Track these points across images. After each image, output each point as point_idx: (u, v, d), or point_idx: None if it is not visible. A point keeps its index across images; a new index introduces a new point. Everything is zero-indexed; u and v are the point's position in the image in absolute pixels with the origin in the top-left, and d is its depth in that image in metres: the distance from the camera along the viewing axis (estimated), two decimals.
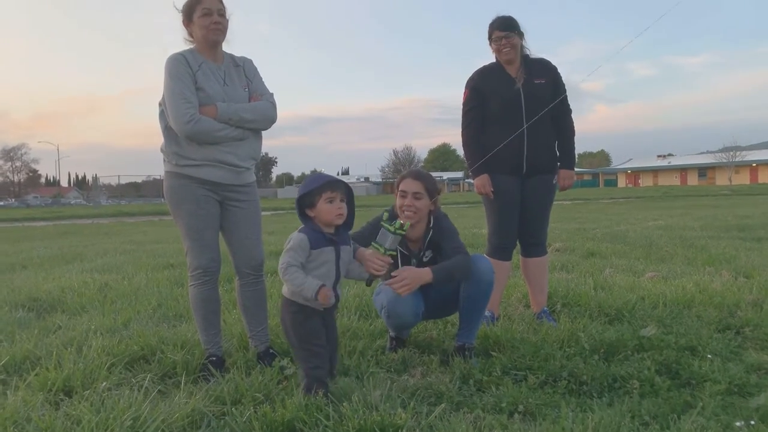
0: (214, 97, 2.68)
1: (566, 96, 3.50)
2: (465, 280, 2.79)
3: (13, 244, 11.32)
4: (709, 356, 2.71)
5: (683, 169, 72.67)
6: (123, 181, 61.73)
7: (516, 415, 2.15)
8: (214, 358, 2.75)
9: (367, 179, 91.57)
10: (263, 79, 2.91)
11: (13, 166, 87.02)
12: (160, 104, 2.73)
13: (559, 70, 3.53)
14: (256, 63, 2.94)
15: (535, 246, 3.61)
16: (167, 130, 2.71)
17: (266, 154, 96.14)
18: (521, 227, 3.55)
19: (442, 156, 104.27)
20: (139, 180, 72.13)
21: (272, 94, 2.89)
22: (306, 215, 2.39)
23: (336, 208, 2.34)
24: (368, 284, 2.69)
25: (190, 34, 2.77)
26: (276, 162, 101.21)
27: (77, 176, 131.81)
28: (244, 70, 2.86)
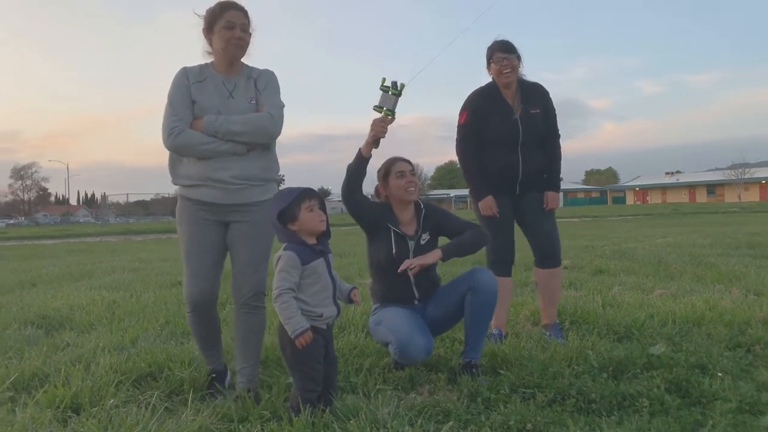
0: (208, 109, 2.53)
1: (556, 120, 3.63)
2: (482, 247, 2.94)
3: (22, 261, 11.39)
4: (719, 374, 2.68)
5: (692, 186, 72.39)
6: (131, 200, 62.28)
7: None
8: (215, 374, 2.70)
9: (373, 196, 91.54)
10: (279, 92, 2.69)
11: (24, 185, 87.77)
12: None
13: (550, 95, 3.65)
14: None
15: (549, 257, 3.63)
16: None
17: None
18: (533, 240, 3.63)
19: (449, 173, 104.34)
20: (147, 198, 72.50)
21: (280, 106, 2.64)
22: (287, 231, 2.33)
23: (317, 215, 2.33)
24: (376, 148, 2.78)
25: (210, 44, 2.65)
26: (283, 180, 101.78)
27: (86, 194, 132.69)
28: (256, 82, 2.66)
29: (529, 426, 2.18)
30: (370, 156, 2.82)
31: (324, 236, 2.41)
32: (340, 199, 3.03)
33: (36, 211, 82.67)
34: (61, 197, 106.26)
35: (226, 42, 2.54)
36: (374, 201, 3.06)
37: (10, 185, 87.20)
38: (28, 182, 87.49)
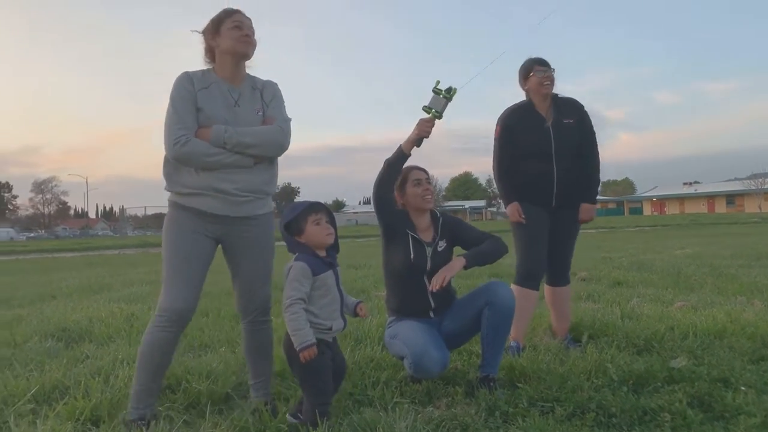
0: (215, 118, 2.44)
1: (594, 134, 3.66)
2: (502, 255, 2.93)
3: (42, 274, 11.56)
4: (742, 388, 2.63)
5: (710, 197, 71.46)
6: (149, 212, 62.87)
7: None
8: (144, 423, 2.35)
9: None
10: (284, 104, 2.67)
11: (44, 199, 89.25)
12: None
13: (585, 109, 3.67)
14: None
15: (562, 276, 3.71)
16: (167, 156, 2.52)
17: (289, 184, 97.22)
18: (551, 258, 3.64)
19: (463, 185, 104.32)
20: (164, 211, 73.00)
21: (288, 120, 2.62)
22: (297, 242, 2.38)
23: (324, 228, 2.36)
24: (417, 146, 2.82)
25: (211, 50, 2.57)
26: (299, 192, 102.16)
27: (105, 208, 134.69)
28: (262, 93, 2.61)
29: None
30: (410, 155, 2.88)
31: (332, 249, 2.44)
32: (370, 197, 3.06)
33: (56, 224, 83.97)
34: (80, 210, 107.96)
35: (235, 40, 2.49)
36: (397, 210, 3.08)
37: (30, 199, 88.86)
38: (48, 196, 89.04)
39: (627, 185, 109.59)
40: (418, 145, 2.85)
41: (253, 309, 2.59)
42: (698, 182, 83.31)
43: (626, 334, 3.64)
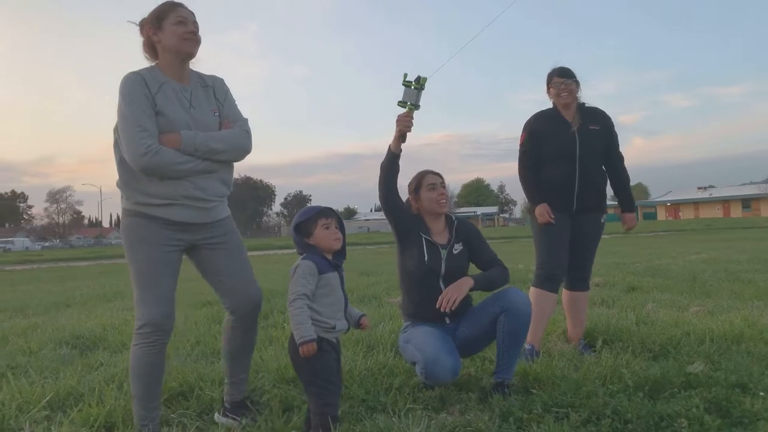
0: (177, 122, 2.30)
1: (618, 143, 3.73)
2: (503, 286, 2.93)
3: (57, 283, 11.67)
4: (761, 393, 2.59)
5: (725, 201, 70.72)
6: None
7: None
8: None
9: None
10: (236, 102, 2.56)
11: (58, 208, 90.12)
12: (114, 132, 2.34)
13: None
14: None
15: (582, 281, 3.73)
16: (123, 162, 2.32)
17: (300, 192, 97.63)
18: (571, 263, 3.68)
19: (475, 191, 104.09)
20: None
21: (246, 120, 2.52)
22: (306, 244, 2.41)
23: (333, 233, 2.39)
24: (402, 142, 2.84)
25: (151, 47, 2.41)
26: (310, 200, 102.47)
27: (118, 217, 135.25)
28: (214, 91, 2.48)
29: None
30: (400, 151, 2.90)
31: (339, 255, 2.47)
32: (378, 202, 3.08)
33: (70, 233, 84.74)
34: (94, 220, 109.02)
35: (179, 37, 2.33)
36: (410, 213, 3.08)
37: (45, 209, 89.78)
38: (63, 206, 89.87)
39: (641, 190, 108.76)
40: (404, 140, 2.87)
41: (248, 309, 2.53)
42: (713, 186, 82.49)
43: (641, 339, 3.60)
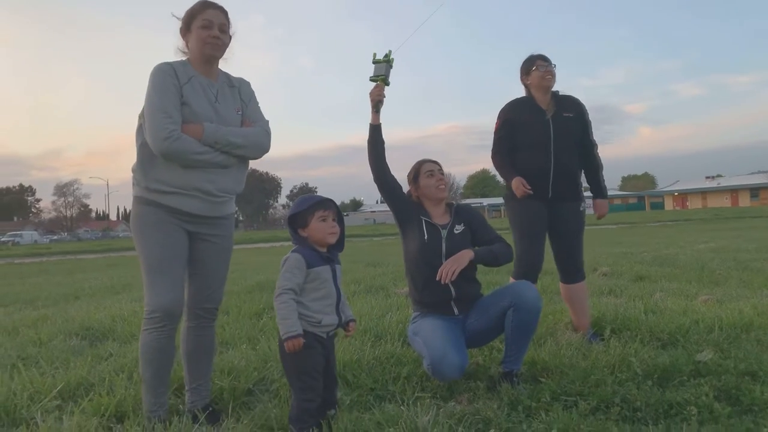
0: (201, 114, 2.38)
1: (591, 131, 3.74)
2: (507, 262, 2.97)
3: (66, 276, 11.74)
4: None
5: (734, 190, 70.29)
6: None
7: None
8: (163, 421, 2.37)
9: None
10: (259, 105, 2.64)
11: (66, 202, 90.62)
12: (139, 117, 2.42)
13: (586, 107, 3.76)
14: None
15: (575, 272, 3.70)
16: (142, 149, 2.40)
17: (306, 184, 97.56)
18: (560, 255, 3.70)
19: (481, 182, 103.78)
20: None
21: (268, 121, 2.59)
22: (298, 236, 2.36)
23: (329, 226, 2.32)
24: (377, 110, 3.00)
25: (186, 45, 2.51)
26: (316, 192, 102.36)
27: (125, 210, 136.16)
28: (240, 92, 2.57)
29: None
30: (380, 123, 3.02)
31: (335, 248, 2.41)
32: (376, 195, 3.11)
33: (78, 226, 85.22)
34: (101, 213, 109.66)
35: (202, 41, 2.42)
36: (409, 199, 3.11)
37: (53, 202, 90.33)
38: (70, 199, 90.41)
39: (648, 180, 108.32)
40: (378, 110, 3.01)
41: (206, 308, 2.54)
42: (721, 176, 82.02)
43: (650, 328, 3.59)
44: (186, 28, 2.47)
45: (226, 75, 2.58)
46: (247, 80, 2.65)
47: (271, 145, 2.57)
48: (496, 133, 3.69)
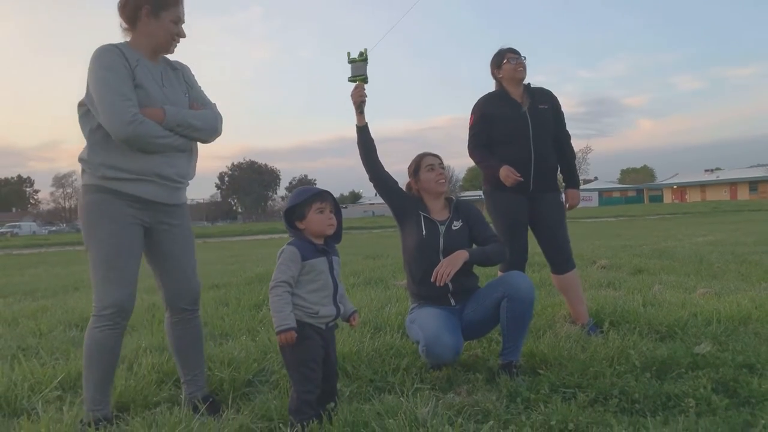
0: (155, 97, 2.28)
1: (564, 121, 3.79)
2: (501, 262, 3.04)
3: (65, 266, 11.74)
4: None
5: (733, 184, 70.29)
6: None
7: None
8: (103, 422, 2.27)
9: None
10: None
11: (65, 193, 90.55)
12: (81, 105, 2.30)
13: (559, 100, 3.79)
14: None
15: (565, 262, 3.72)
16: (93, 134, 2.27)
17: (305, 176, 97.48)
18: (547, 247, 3.72)
19: (480, 174, 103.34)
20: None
21: (215, 104, 2.53)
22: (295, 228, 2.35)
23: (326, 218, 2.31)
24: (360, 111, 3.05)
25: (130, 21, 2.34)
26: (315, 184, 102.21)
27: None
28: (183, 74, 2.50)
29: (570, 426, 2.14)
30: (365, 123, 3.07)
31: (333, 240, 2.40)
32: (374, 190, 3.14)
33: (76, 218, 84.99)
34: None
35: (170, 36, 2.35)
36: (407, 193, 3.12)
37: (51, 193, 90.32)
38: (69, 190, 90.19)
39: (647, 173, 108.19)
40: (362, 111, 3.06)
41: (188, 300, 2.49)
42: (720, 169, 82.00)
43: (648, 320, 3.61)
44: (155, 12, 2.31)
45: (165, 59, 2.48)
46: (186, 64, 2.57)
47: (222, 128, 2.51)
48: (471, 128, 3.68)
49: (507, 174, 3.43)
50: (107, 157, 2.25)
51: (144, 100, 2.25)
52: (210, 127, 2.43)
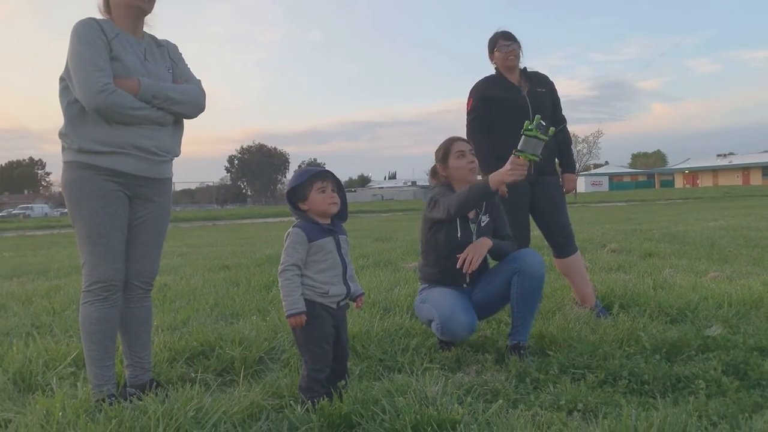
0: (133, 70, 2.25)
1: (560, 106, 3.82)
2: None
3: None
4: None
5: (745, 168, 69.50)
6: (177, 188, 63.38)
7: (575, 413, 2.11)
8: (113, 398, 2.28)
9: (414, 183, 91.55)
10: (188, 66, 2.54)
11: None
12: (62, 79, 2.27)
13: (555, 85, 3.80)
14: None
15: (568, 245, 3.72)
16: (70, 107, 2.24)
17: (314, 159, 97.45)
18: (549, 231, 3.73)
19: None
20: (193, 186, 74.08)
21: (200, 81, 2.49)
22: (299, 210, 2.33)
23: (329, 196, 2.29)
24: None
25: (107, 2, 2.35)
26: (324, 167, 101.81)
27: None
28: (168, 51, 2.47)
29: (580, 406, 2.16)
30: (497, 191, 2.69)
31: (338, 218, 2.39)
32: (395, 173, 3.07)
33: None
34: None
35: None
36: (433, 185, 3.06)
37: None
38: None
39: (658, 157, 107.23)
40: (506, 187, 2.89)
41: (143, 280, 2.44)
42: (733, 153, 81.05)
43: (659, 303, 3.60)
44: None
45: (151, 35, 2.45)
46: (174, 43, 2.54)
47: (206, 104, 2.46)
48: (471, 112, 3.62)
49: (515, 168, 3.38)
50: (83, 129, 2.23)
51: (121, 71, 2.22)
52: (191, 101, 2.39)
